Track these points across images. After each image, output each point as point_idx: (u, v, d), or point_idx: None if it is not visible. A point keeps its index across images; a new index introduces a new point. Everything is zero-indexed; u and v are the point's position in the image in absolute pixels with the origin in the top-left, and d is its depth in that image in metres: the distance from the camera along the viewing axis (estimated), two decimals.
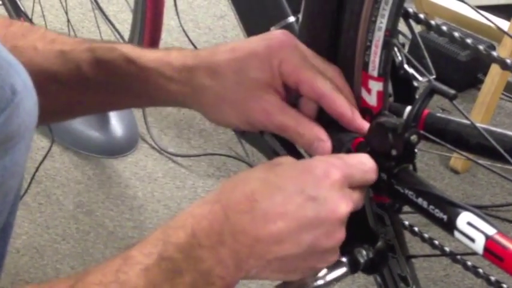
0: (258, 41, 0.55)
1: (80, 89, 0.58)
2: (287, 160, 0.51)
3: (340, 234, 0.48)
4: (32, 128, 0.46)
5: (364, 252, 0.55)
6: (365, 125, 0.55)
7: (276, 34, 0.56)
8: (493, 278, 0.61)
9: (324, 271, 0.52)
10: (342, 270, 0.54)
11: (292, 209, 0.46)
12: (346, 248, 0.54)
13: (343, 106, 0.54)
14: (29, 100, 0.45)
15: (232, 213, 0.46)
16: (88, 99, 0.59)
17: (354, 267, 0.55)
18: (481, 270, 0.62)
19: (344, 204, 0.48)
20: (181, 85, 0.56)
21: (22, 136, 0.45)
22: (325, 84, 0.54)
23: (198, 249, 0.46)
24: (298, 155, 0.60)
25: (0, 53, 0.44)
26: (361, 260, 0.55)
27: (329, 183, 0.48)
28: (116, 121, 1.26)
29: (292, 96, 0.57)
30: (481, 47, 0.54)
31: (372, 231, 0.58)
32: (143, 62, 0.56)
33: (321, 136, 0.54)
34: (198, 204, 0.48)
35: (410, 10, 0.58)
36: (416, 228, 0.70)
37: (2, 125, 0.42)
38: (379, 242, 0.56)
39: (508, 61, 0.52)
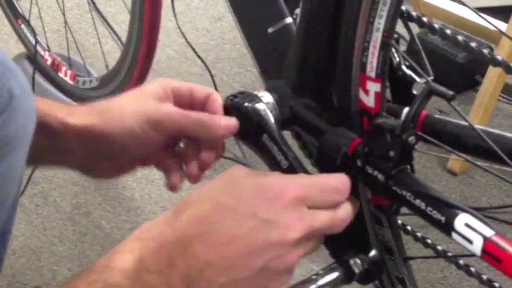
0: (135, 116, 0.57)
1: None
2: (241, 174, 0.50)
3: (293, 257, 0.47)
4: (30, 133, 0.46)
5: (359, 262, 0.55)
6: (226, 121, 0.58)
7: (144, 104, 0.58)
8: (485, 277, 0.61)
9: (320, 281, 0.52)
10: (335, 274, 0.53)
11: (243, 233, 0.46)
12: (341, 257, 0.54)
13: (218, 132, 0.58)
14: (26, 104, 0.44)
15: (183, 237, 0.46)
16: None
17: (348, 277, 0.54)
18: (479, 272, 0.62)
19: (297, 227, 0.46)
20: (86, 153, 0.58)
21: (20, 141, 0.44)
22: (206, 117, 0.58)
23: (146, 274, 0.44)
24: (294, 158, 0.60)
25: None
26: (356, 271, 0.55)
27: (282, 205, 0.47)
28: None
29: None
30: (485, 51, 0.54)
31: (367, 240, 0.58)
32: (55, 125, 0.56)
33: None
34: (147, 226, 0.48)
35: (414, 14, 0.58)
36: (414, 230, 0.70)
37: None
38: (374, 252, 0.56)
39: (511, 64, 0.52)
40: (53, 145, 0.56)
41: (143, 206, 1.15)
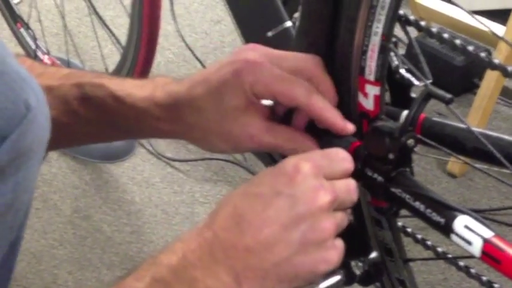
0: (226, 67, 0.56)
1: (69, 123, 0.59)
2: (262, 170, 0.51)
3: (327, 224, 0.48)
4: (44, 143, 0.46)
5: (360, 264, 0.55)
6: (348, 125, 0.55)
7: (241, 55, 0.56)
8: (485, 279, 0.61)
9: (321, 284, 0.52)
10: (336, 277, 0.54)
11: (272, 213, 0.47)
12: (342, 259, 0.54)
13: (322, 109, 0.54)
14: (42, 115, 0.44)
15: (220, 232, 0.47)
16: (76, 133, 0.61)
17: (349, 279, 0.55)
18: (479, 274, 0.62)
19: (322, 193, 0.48)
20: (169, 124, 0.57)
21: (35, 151, 0.44)
22: (299, 90, 0.54)
23: (192, 269, 0.46)
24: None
25: (14, 68, 0.43)
26: (357, 273, 0.55)
27: (301, 177, 0.48)
28: None
29: (280, 110, 0.57)
30: (482, 54, 0.54)
31: (368, 242, 0.58)
32: (132, 101, 0.57)
33: (312, 147, 0.55)
34: (186, 232, 0.49)
35: (412, 18, 0.58)
36: (414, 232, 0.70)
37: (16, 141, 0.42)
38: (375, 254, 0.56)
39: (509, 68, 0.52)
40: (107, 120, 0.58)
41: (143, 209, 1.15)
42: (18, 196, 0.44)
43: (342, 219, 0.50)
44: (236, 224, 0.47)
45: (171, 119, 0.57)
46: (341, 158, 0.51)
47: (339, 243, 0.49)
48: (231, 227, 0.47)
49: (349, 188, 0.51)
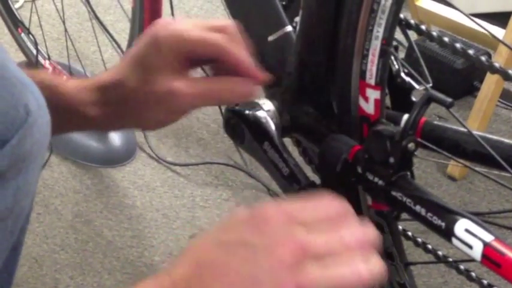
0: (143, 37, 0.57)
1: None
2: (239, 214, 0.47)
3: (287, 280, 0.42)
4: (44, 147, 0.46)
5: None
6: (259, 73, 0.56)
7: (153, 28, 0.57)
8: (485, 282, 0.61)
9: None
10: None
11: (235, 264, 0.43)
12: None
13: (240, 54, 0.55)
14: (42, 119, 0.44)
15: (179, 281, 0.44)
16: None
17: None
18: (479, 277, 0.62)
19: (289, 243, 0.43)
20: (98, 108, 0.58)
21: (35, 155, 0.44)
22: (217, 36, 0.55)
23: None
24: (294, 165, 0.60)
25: (14, 72, 0.43)
26: None
27: (271, 227, 0.44)
28: None
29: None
30: (483, 58, 0.54)
31: None
32: (63, 89, 0.57)
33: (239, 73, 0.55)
34: (146, 280, 0.46)
35: (412, 22, 0.58)
36: (414, 235, 0.70)
37: (16, 146, 0.42)
38: None
39: (510, 72, 0.53)
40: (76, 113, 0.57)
41: (144, 214, 1.15)
42: (18, 200, 0.44)
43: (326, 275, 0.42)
44: (197, 273, 0.44)
45: (100, 102, 0.57)
46: (325, 204, 0.45)
47: None
48: (191, 276, 0.44)
49: (332, 242, 0.43)
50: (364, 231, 0.44)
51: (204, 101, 0.57)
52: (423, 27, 0.60)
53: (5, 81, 0.42)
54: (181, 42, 0.55)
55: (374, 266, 0.42)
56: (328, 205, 0.45)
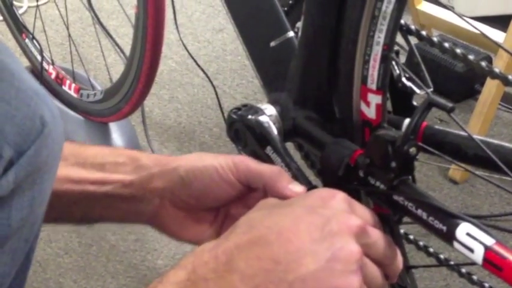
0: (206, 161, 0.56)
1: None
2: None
3: (356, 248, 0.46)
4: (58, 157, 0.46)
5: None
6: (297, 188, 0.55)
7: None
8: (487, 285, 0.61)
9: None
10: None
11: (303, 227, 0.46)
12: None
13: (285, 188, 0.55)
14: (57, 130, 0.44)
15: (241, 242, 0.46)
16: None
17: None
18: (481, 280, 0.63)
19: (354, 217, 0.48)
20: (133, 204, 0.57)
21: (50, 165, 0.45)
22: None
23: (201, 282, 0.44)
24: (297, 169, 0.61)
25: (29, 83, 0.43)
26: None
27: (335, 201, 0.48)
28: (117, 135, 1.26)
29: None
30: (483, 64, 0.55)
31: None
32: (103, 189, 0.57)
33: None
34: (200, 246, 0.48)
35: (413, 27, 0.59)
36: (416, 239, 0.70)
37: (32, 157, 0.42)
38: None
39: (510, 77, 0.53)
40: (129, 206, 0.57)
41: None
42: (34, 210, 0.45)
43: (372, 271, 0.48)
44: (262, 235, 0.46)
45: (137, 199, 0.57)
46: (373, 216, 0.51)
47: (360, 275, 0.47)
48: (255, 238, 0.46)
49: (375, 220, 0.51)
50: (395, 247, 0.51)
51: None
52: (424, 32, 0.61)
53: (22, 93, 0.42)
54: (247, 172, 0.55)
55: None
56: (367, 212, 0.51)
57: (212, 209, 0.58)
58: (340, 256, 0.45)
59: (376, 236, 0.49)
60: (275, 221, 0.47)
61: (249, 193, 0.56)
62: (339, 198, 0.49)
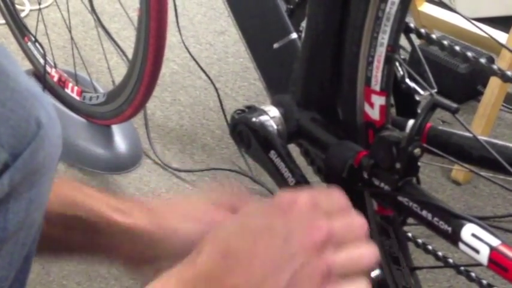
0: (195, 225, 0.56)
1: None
2: (253, 207, 0.51)
3: (320, 263, 0.44)
4: (55, 160, 0.45)
5: None
6: None
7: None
8: (492, 287, 0.61)
9: None
10: None
11: (262, 250, 0.45)
12: None
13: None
14: (53, 132, 0.44)
15: (204, 268, 0.45)
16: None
17: None
18: (485, 281, 0.62)
19: (317, 227, 0.45)
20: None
21: (47, 168, 0.44)
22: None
23: None
24: (301, 176, 0.61)
25: (25, 85, 0.43)
26: None
27: (296, 213, 0.46)
28: (120, 137, 1.26)
29: None
30: (482, 60, 0.55)
31: None
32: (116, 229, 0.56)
33: None
34: (166, 272, 0.47)
35: (412, 25, 0.59)
36: (420, 240, 0.70)
37: (28, 159, 0.41)
38: (378, 272, 0.56)
39: (509, 73, 0.53)
40: (95, 242, 0.56)
41: None
42: (31, 213, 0.44)
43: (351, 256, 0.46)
44: (223, 260, 0.45)
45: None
46: (337, 196, 0.49)
47: (329, 283, 0.45)
48: (218, 263, 0.45)
49: (348, 224, 0.47)
50: (363, 220, 0.48)
51: None
52: (429, 33, 0.60)
53: (17, 94, 0.42)
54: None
55: (375, 250, 0.47)
56: (337, 196, 0.49)
57: None
58: (303, 274, 0.44)
59: (344, 228, 0.47)
60: (236, 243, 0.46)
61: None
62: (300, 203, 0.46)
